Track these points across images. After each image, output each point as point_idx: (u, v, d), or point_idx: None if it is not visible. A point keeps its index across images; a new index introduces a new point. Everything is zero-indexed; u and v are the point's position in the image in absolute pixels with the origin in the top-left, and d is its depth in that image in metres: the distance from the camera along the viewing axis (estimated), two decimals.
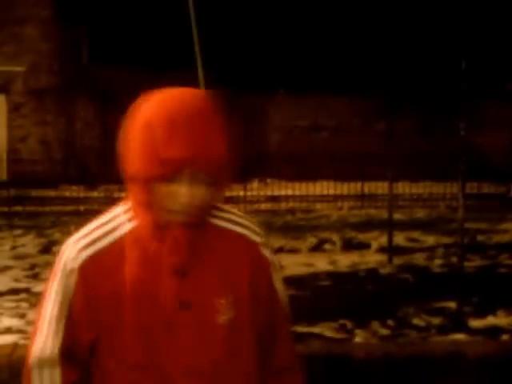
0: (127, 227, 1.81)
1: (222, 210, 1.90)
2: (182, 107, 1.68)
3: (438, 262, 9.24)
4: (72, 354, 1.82)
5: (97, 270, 1.78)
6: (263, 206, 16.79)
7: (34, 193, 17.99)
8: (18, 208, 15.54)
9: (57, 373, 1.81)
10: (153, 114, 1.68)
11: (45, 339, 1.82)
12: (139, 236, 1.79)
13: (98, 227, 1.83)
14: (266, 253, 1.90)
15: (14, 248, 10.41)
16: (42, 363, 1.82)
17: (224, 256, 1.84)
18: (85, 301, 1.78)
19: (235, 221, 1.90)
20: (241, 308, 1.83)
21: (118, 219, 1.83)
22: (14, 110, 22.98)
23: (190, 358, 1.78)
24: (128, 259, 1.78)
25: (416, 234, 11.91)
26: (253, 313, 1.85)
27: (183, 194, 1.69)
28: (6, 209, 15.21)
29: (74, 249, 1.80)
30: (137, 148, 1.69)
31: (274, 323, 1.93)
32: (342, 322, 5.92)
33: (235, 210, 1.96)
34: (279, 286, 1.93)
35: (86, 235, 1.82)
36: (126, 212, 1.84)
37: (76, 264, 1.78)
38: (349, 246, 10.53)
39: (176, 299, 1.77)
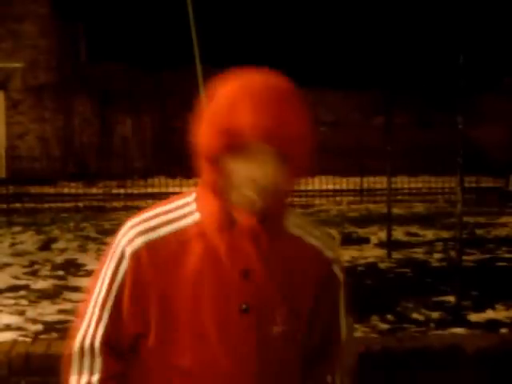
0: (192, 218, 1.67)
1: (295, 215, 1.77)
2: (259, 83, 1.60)
3: (436, 256, 9.24)
4: (116, 345, 1.69)
5: (151, 258, 1.64)
6: None
7: (33, 190, 17.98)
8: (17, 205, 15.52)
9: (97, 362, 1.69)
10: (228, 87, 1.60)
11: (87, 326, 1.71)
12: (204, 228, 1.65)
13: (161, 214, 1.69)
14: (337, 270, 1.80)
15: (12, 245, 10.40)
16: (83, 351, 1.70)
17: (292, 265, 1.71)
18: (133, 289, 1.65)
19: (309, 230, 1.76)
20: (297, 323, 1.71)
21: (185, 209, 1.69)
22: (12, 106, 22.95)
23: (236, 363, 1.66)
24: (189, 253, 1.64)
25: (415, 229, 11.91)
26: (308, 330, 1.75)
27: (251, 168, 1.56)
28: (4, 206, 15.19)
29: (131, 233, 1.67)
30: (206, 123, 1.59)
31: (326, 344, 1.81)
32: None
33: (308, 218, 1.81)
34: (343, 308, 1.83)
35: (146, 220, 1.68)
36: (193, 202, 1.70)
37: (130, 249, 1.66)
38: (348, 240, 10.51)
39: (236, 301, 1.65)
